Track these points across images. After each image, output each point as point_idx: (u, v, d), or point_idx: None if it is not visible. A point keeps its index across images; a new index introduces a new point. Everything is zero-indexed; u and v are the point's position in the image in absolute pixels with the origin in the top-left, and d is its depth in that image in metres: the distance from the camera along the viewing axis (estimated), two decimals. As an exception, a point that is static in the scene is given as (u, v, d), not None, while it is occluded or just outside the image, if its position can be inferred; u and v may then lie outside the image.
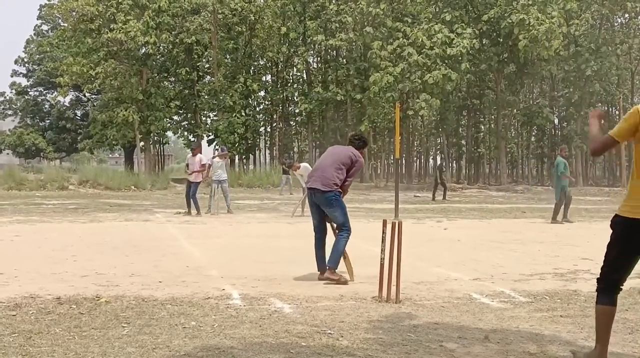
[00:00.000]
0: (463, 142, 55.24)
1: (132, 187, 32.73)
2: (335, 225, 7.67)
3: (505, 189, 38.07)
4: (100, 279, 7.47)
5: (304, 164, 18.26)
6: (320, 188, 7.47)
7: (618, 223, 4.30)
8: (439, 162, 38.34)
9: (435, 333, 5.17)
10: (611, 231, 4.35)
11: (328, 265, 7.45)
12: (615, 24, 46.63)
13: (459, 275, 8.11)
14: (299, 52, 45.39)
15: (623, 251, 4.28)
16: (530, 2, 37.14)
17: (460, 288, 7.21)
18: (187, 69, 45.33)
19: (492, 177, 55.51)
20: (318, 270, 7.65)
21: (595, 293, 4.42)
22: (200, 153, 19.08)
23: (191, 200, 17.87)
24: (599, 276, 4.39)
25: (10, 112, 64.16)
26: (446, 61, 37.76)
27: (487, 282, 7.61)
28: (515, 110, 48.70)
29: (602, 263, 4.40)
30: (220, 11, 42.95)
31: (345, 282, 7.33)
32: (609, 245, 4.35)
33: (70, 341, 4.78)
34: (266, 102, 50.08)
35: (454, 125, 52.16)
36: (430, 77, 36.48)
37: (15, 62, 61.59)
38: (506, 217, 18.39)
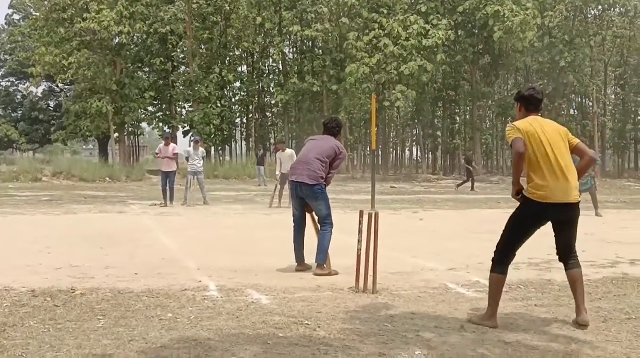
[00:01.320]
0: (438, 133, 55.47)
1: (107, 179, 32.47)
2: (317, 218, 7.67)
3: (480, 180, 38.28)
4: (75, 271, 7.40)
5: (290, 150, 18.01)
6: (307, 181, 7.45)
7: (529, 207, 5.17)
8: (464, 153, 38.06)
9: (411, 323, 5.21)
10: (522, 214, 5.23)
11: (317, 262, 7.44)
12: (589, 16, 47.04)
13: (434, 265, 8.16)
14: (274, 43, 45.19)
15: (529, 231, 5.27)
16: (505, -6, 37.34)
17: (436, 278, 7.26)
18: (162, 59, 44.94)
19: (468, 167, 55.83)
20: (296, 261, 7.66)
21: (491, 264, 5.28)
22: (175, 143, 19.13)
23: (167, 191, 17.78)
24: (500, 252, 5.26)
25: (-19, 102, 63.24)
26: (422, 52, 37.86)
27: (462, 272, 7.67)
28: (490, 101, 49.05)
29: (504, 242, 5.27)
30: (194, 1, 42.60)
31: (336, 273, 7.34)
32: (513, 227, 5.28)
33: (45, 334, 4.75)
34: (242, 93, 49.78)
35: (430, 117, 52.37)
36: (405, 68, 36.56)
37: (-14, 51, 60.70)
38: (481, 207, 18.54)
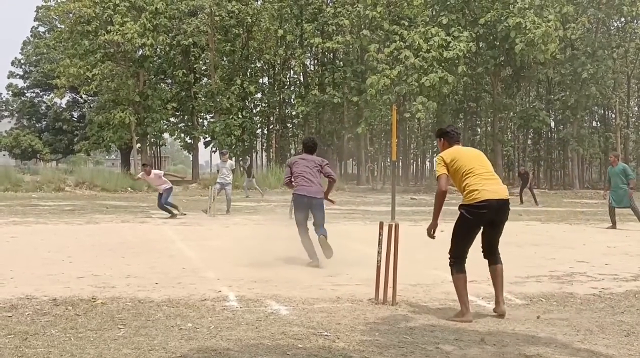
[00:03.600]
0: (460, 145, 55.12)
1: (129, 189, 32.71)
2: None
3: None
4: (96, 281, 7.46)
5: None
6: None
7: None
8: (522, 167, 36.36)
9: (431, 336, 5.18)
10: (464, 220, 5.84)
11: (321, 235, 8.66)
12: (612, 28, 46.67)
13: (455, 277, 8.10)
14: (295, 55, 45.36)
15: (473, 235, 5.90)
16: (526, 6, 37.21)
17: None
18: (184, 70, 45.30)
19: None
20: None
21: (454, 267, 5.89)
22: (157, 170, 20.08)
23: (165, 206, 17.49)
24: (454, 257, 5.89)
25: (6, 113, 64.15)
26: (443, 64, 37.80)
27: (483, 284, 7.60)
28: (511, 113, 48.68)
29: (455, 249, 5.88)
30: (217, 13, 42.93)
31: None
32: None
33: (66, 342, 4.78)
34: (263, 104, 50.01)
35: (451, 128, 52.10)
36: (427, 79, 36.50)
37: (12, 63, 61.57)
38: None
